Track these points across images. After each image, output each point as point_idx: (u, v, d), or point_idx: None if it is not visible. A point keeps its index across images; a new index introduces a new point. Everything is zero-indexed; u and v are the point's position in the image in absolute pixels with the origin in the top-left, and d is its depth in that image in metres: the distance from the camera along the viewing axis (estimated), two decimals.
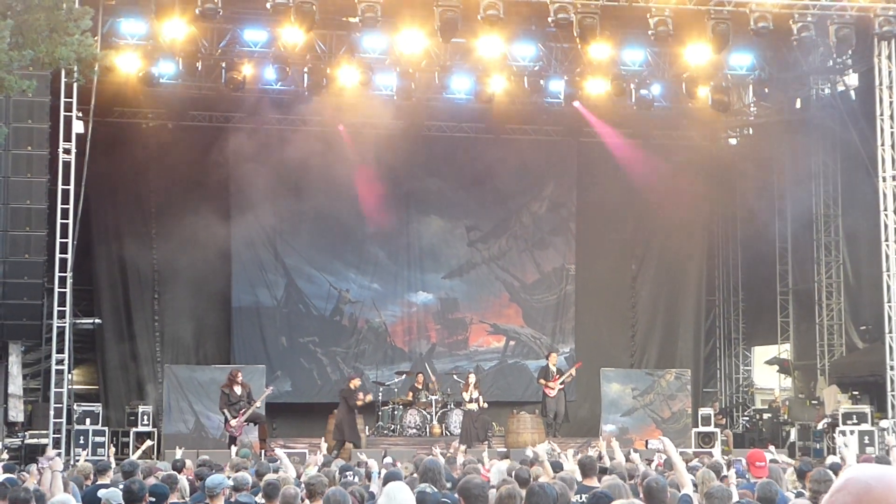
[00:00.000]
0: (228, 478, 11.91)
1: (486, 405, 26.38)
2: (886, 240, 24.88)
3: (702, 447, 25.34)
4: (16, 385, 24.63)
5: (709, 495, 8.87)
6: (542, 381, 26.82)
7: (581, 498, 10.35)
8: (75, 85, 22.52)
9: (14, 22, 15.87)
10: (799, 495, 10.81)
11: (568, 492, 9.94)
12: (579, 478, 11.32)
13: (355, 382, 25.13)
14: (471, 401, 26.31)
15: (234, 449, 18.81)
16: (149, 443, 21.00)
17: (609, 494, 8.55)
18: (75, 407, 24.71)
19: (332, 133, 28.61)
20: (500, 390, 30.18)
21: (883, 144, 25.04)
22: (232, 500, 11.12)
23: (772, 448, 18.90)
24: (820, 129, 30.54)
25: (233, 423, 23.77)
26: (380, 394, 27.80)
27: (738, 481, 11.72)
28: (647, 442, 25.76)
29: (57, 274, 23.11)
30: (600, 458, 14.96)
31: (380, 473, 12.55)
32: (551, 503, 7.90)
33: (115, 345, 29.42)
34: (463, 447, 20.76)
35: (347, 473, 13.44)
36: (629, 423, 28.48)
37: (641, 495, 9.12)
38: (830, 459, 16.54)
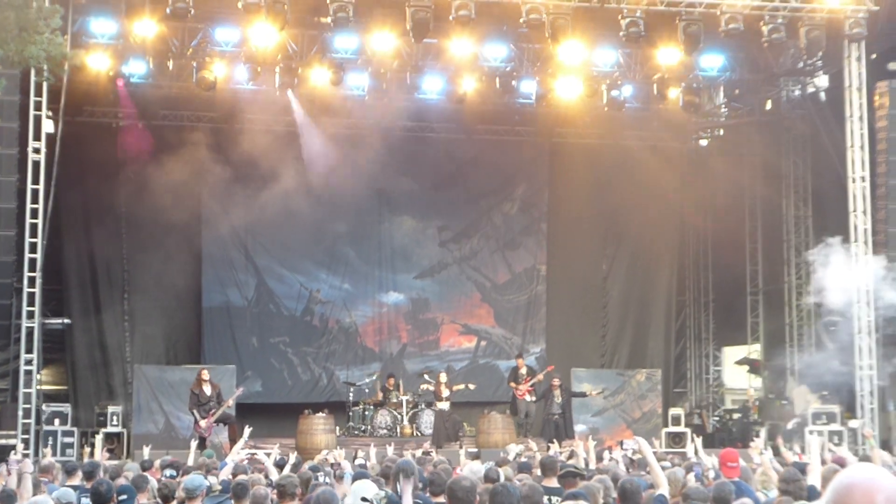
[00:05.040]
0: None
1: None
2: (856, 241, 25.01)
3: (672, 447, 25.38)
4: None
5: (686, 496, 8.87)
6: (513, 384, 26.90)
7: (548, 500, 10.30)
8: (45, 84, 22.36)
9: None
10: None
11: (537, 492, 9.90)
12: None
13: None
14: (440, 399, 26.33)
15: (192, 448, 18.46)
16: (99, 438, 20.85)
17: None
18: (44, 407, 24.52)
19: (304, 133, 28.50)
20: (470, 390, 30.15)
21: (852, 146, 25.16)
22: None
23: (759, 442, 17.58)
24: (790, 130, 30.72)
25: (202, 423, 23.65)
26: (350, 394, 27.77)
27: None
28: (621, 442, 25.78)
29: (26, 274, 22.94)
30: (571, 456, 14.95)
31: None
32: (515, 503, 7.85)
33: (84, 345, 29.23)
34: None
35: (318, 474, 13.39)
36: (600, 424, 28.54)
37: (616, 496, 9.11)
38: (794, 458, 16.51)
